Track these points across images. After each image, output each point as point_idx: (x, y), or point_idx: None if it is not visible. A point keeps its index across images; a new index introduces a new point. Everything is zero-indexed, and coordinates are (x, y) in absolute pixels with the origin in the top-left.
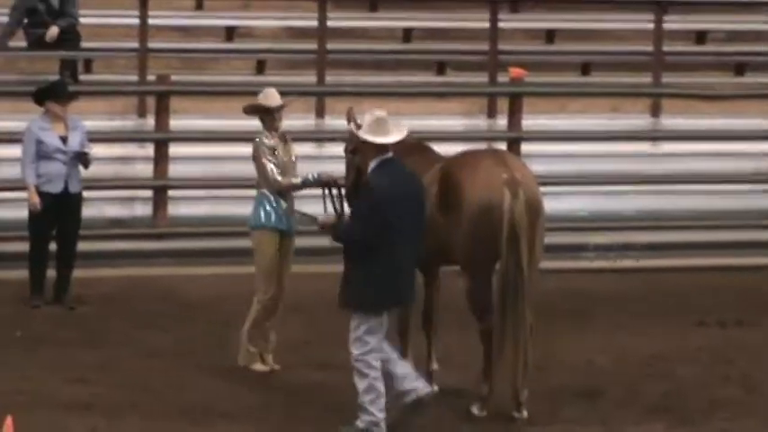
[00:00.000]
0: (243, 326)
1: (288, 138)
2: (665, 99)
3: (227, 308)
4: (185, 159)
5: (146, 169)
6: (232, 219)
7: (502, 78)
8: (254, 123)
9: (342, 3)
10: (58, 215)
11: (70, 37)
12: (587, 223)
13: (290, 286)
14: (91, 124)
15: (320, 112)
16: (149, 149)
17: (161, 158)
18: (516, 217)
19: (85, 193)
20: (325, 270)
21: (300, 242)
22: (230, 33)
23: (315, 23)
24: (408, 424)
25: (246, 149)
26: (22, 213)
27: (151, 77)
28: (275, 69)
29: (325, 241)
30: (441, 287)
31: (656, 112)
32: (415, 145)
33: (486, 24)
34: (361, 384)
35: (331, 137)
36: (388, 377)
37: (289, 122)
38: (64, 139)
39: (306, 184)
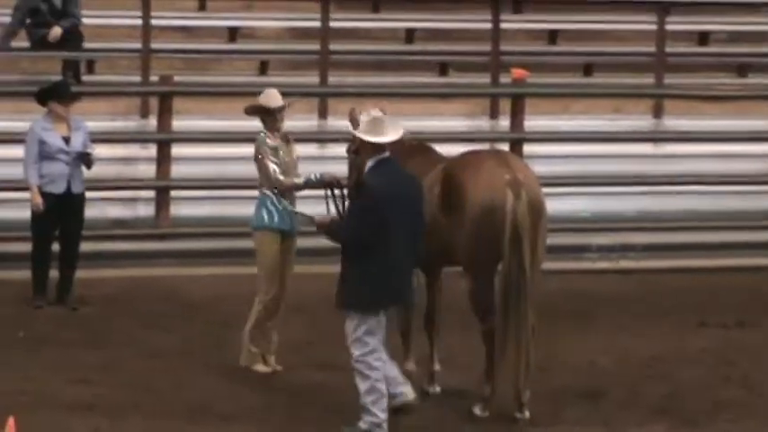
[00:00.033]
0: (245, 326)
1: (290, 138)
2: (668, 100)
3: (229, 308)
4: (188, 160)
5: (148, 170)
6: (234, 219)
7: (504, 79)
8: (258, 124)
9: (344, 3)
10: (60, 216)
11: (73, 37)
12: (590, 224)
13: (291, 287)
14: (93, 125)
15: (323, 113)
16: (152, 150)
17: (164, 159)
18: (519, 218)
19: (88, 194)
20: (327, 270)
21: (302, 243)
22: (233, 34)
23: (317, 24)
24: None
25: (249, 150)
26: (24, 214)
27: (154, 78)
28: (278, 70)
29: (326, 242)
30: (443, 288)
31: (658, 113)
32: (418, 146)
33: (489, 25)
34: (362, 385)
35: (334, 137)
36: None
37: (291, 123)
38: (67, 140)
39: (308, 184)
